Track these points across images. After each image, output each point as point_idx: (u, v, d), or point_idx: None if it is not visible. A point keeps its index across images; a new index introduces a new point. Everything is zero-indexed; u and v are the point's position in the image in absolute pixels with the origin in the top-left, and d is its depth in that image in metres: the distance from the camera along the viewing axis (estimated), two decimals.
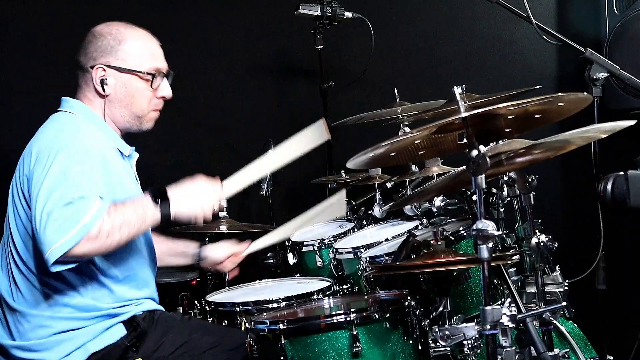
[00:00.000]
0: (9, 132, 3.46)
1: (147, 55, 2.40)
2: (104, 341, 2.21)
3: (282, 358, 2.19)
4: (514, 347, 1.97)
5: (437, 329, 2.18)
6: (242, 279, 3.16)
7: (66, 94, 2.44)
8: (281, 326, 2.22)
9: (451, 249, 2.52)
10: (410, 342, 2.29)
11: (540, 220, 2.47)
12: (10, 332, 2.24)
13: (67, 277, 2.19)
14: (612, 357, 2.63)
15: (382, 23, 3.89)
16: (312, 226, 3.53)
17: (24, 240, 2.21)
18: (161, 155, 3.76)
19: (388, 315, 2.26)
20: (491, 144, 2.23)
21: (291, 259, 3.29)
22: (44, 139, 2.25)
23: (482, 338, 2.12)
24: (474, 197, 2.21)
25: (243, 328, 2.62)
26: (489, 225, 1.87)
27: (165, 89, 2.43)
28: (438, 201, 2.74)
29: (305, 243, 3.26)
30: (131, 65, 2.36)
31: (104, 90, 2.34)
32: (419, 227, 2.97)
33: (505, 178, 2.51)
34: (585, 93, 2.02)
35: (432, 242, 2.40)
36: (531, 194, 2.43)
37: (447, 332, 2.14)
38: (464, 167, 2.02)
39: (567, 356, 2.16)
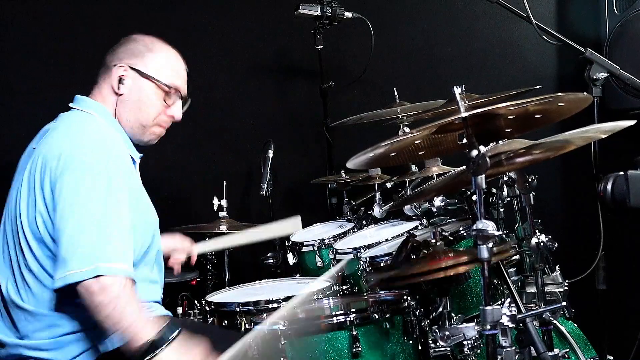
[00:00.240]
0: (9, 132, 3.45)
1: (171, 71, 2.40)
2: (113, 342, 2.20)
3: (282, 358, 2.19)
4: (514, 347, 1.97)
5: (437, 329, 2.19)
6: (242, 279, 3.16)
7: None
8: (281, 326, 2.21)
9: (451, 249, 2.52)
10: (410, 342, 2.29)
11: (540, 220, 2.47)
12: (17, 330, 2.23)
13: None
14: (612, 357, 2.62)
15: (382, 23, 3.89)
16: (312, 226, 3.54)
17: (42, 241, 2.16)
18: (161, 156, 3.76)
19: (388, 315, 2.26)
20: (491, 144, 2.23)
21: (291, 259, 3.30)
22: (70, 143, 2.18)
23: (482, 338, 2.12)
24: (474, 197, 2.21)
25: (243, 328, 2.62)
26: (489, 225, 1.88)
27: (177, 110, 2.41)
28: (438, 201, 2.74)
29: (305, 243, 3.26)
30: (153, 73, 2.35)
31: (118, 89, 2.33)
32: (419, 227, 2.97)
33: (505, 178, 2.51)
34: (585, 93, 2.02)
35: (432, 242, 2.40)
36: (531, 194, 2.43)
37: (447, 332, 2.15)
38: (464, 167, 2.02)
39: (567, 356, 2.16)
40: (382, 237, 2.98)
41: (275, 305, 2.65)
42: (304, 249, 3.26)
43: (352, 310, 2.29)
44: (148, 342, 2.03)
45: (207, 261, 3.48)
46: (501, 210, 2.66)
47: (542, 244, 2.39)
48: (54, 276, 2.05)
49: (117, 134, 2.32)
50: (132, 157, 2.36)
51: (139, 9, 3.87)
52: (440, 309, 2.45)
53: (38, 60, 3.68)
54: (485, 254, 1.89)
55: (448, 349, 2.38)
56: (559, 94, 1.92)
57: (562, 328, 2.46)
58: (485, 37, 4.10)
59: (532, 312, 2.11)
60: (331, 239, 3.21)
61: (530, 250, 2.44)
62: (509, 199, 2.57)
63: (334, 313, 2.32)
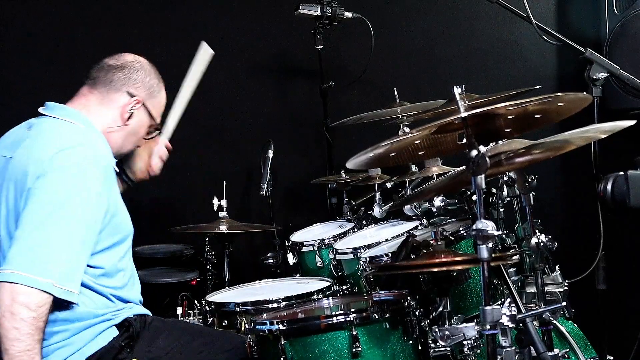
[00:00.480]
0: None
1: (161, 110, 2.50)
2: (98, 344, 2.21)
3: (281, 358, 2.19)
4: (514, 347, 1.97)
5: (437, 329, 2.18)
6: (242, 279, 3.16)
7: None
8: (281, 326, 2.22)
9: (451, 249, 2.52)
10: (410, 342, 2.28)
11: (540, 220, 2.47)
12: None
13: None
14: (612, 357, 2.62)
15: (382, 23, 3.89)
16: (312, 226, 3.54)
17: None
18: None
19: (388, 315, 2.26)
20: (491, 144, 2.23)
21: (291, 259, 3.30)
22: (47, 151, 2.16)
23: (482, 338, 2.11)
24: (474, 197, 2.21)
25: (243, 328, 2.62)
26: (488, 225, 1.87)
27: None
28: (438, 201, 2.73)
29: (305, 243, 3.26)
30: (155, 115, 2.45)
31: (128, 120, 2.36)
32: (419, 227, 2.97)
33: (505, 178, 2.51)
34: (585, 93, 2.02)
35: (432, 242, 2.40)
36: (531, 194, 2.43)
37: (447, 332, 2.14)
38: (464, 167, 2.02)
39: (567, 356, 2.15)
40: (382, 237, 2.98)
41: (275, 305, 2.66)
42: (304, 249, 3.26)
43: (352, 310, 2.29)
44: None
45: (207, 261, 3.48)
46: (501, 210, 2.65)
47: (542, 244, 2.38)
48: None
49: (103, 145, 2.33)
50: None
51: (139, 9, 3.87)
52: (440, 309, 2.44)
53: (38, 60, 3.68)
54: (485, 254, 1.89)
55: (448, 349, 2.38)
56: (559, 94, 1.92)
57: (562, 328, 2.46)
58: (485, 37, 4.10)
59: (532, 312, 2.10)
60: (331, 239, 3.21)
61: (530, 250, 2.44)
62: (508, 199, 2.57)
63: (334, 313, 2.32)
